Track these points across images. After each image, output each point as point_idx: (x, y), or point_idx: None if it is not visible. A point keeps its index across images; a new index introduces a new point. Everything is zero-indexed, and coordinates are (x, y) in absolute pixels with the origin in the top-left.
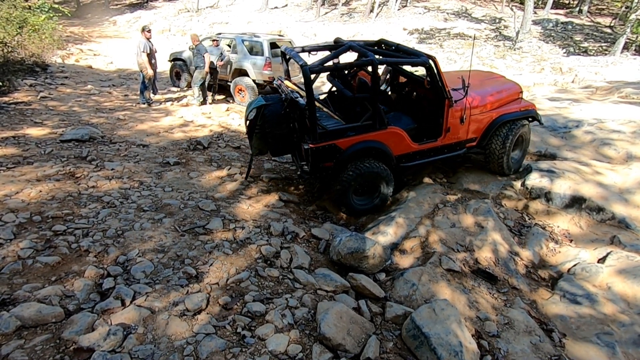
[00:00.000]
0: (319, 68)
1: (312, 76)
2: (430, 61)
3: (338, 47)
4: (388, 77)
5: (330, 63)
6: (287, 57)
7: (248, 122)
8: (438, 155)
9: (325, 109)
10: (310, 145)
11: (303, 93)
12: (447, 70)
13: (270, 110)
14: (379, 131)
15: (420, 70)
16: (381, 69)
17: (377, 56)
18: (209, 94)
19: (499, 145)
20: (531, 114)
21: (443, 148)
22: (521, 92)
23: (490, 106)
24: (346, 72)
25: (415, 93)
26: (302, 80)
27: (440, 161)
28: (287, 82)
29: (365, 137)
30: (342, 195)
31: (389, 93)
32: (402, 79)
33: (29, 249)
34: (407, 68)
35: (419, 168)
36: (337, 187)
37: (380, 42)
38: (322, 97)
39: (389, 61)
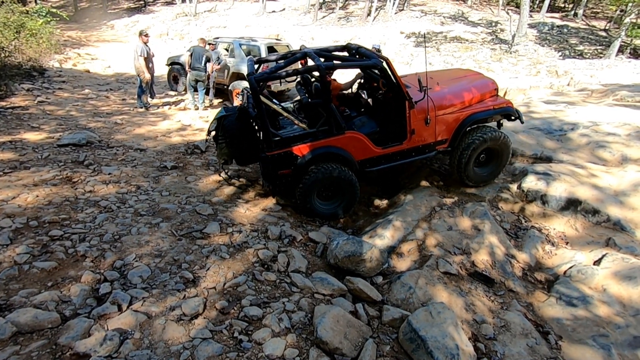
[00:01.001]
0: (265, 77)
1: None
2: (384, 63)
3: (303, 54)
4: (361, 81)
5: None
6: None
7: (212, 132)
8: (405, 158)
9: (289, 116)
10: (265, 152)
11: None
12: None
13: (229, 121)
14: (337, 136)
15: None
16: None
17: (325, 61)
18: (206, 97)
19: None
20: (507, 111)
21: (410, 151)
22: (496, 88)
23: (460, 105)
24: (312, 78)
25: (385, 97)
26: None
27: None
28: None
29: (322, 143)
30: (305, 200)
31: (364, 98)
32: (375, 84)
33: (25, 254)
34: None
35: (389, 170)
36: (299, 192)
37: (346, 47)
38: (293, 105)
39: (336, 65)
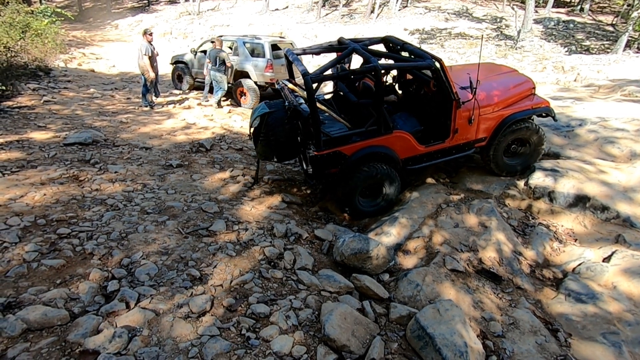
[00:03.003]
0: (321, 77)
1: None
2: (437, 63)
3: (341, 48)
4: (394, 75)
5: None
6: (290, 59)
7: (252, 129)
8: (446, 156)
9: (330, 112)
10: (315, 152)
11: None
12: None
13: (273, 118)
14: (385, 136)
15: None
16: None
17: (381, 60)
18: (209, 95)
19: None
20: (545, 112)
21: (451, 149)
22: (534, 87)
23: (501, 104)
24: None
25: (422, 92)
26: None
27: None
28: (290, 85)
29: (370, 143)
30: (349, 199)
31: (396, 91)
32: (409, 76)
33: (33, 252)
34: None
35: (424, 169)
36: (343, 191)
37: (385, 40)
38: (327, 96)
39: (392, 66)
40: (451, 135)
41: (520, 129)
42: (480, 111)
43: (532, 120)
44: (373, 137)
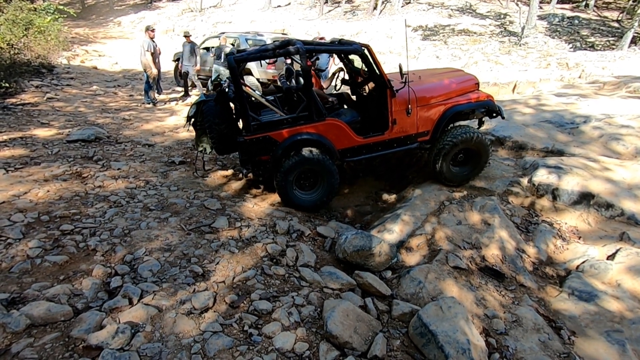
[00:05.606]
0: (244, 57)
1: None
2: (365, 49)
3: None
4: (344, 77)
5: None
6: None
7: (191, 120)
8: (387, 149)
9: (270, 105)
10: (245, 137)
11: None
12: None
13: (208, 106)
14: (317, 123)
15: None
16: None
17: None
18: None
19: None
20: (488, 105)
21: (392, 142)
22: (477, 83)
23: (441, 97)
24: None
25: (368, 90)
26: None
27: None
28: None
29: (302, 129)
30: (283, 188)
31: (345, 93)
32: (359, 79)
33: (37, 249)
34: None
35: (369, 160)
36: (276, 180)
37: (331, 41)
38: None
39: (316, 49)
40: (390, 126)
41: (455, 144)
42: (419, 102)
43: (476, 124)
44: (305, 124)
